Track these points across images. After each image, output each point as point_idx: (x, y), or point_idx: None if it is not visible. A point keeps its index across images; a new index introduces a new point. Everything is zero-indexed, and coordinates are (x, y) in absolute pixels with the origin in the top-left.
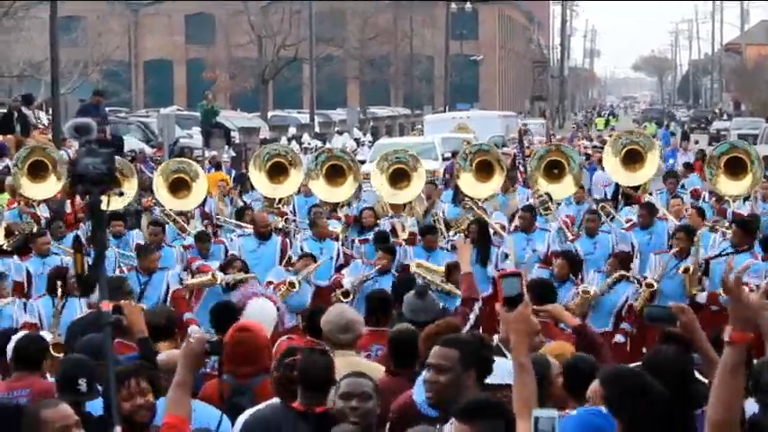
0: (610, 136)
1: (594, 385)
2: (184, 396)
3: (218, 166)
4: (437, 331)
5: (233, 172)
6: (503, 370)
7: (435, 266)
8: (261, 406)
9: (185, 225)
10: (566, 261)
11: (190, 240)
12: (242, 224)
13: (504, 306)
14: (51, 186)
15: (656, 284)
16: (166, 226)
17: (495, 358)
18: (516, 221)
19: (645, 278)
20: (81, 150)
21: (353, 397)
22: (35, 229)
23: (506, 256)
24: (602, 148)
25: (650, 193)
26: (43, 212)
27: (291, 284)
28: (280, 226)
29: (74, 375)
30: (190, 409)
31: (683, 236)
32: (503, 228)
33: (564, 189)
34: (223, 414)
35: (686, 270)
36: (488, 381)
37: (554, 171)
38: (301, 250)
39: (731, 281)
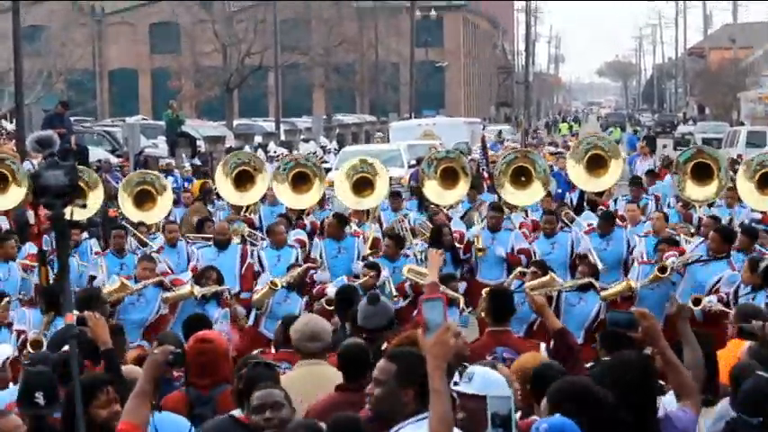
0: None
1: (544, 402)
2: (142, 404)
3: (203, 175)
4: (400, 344)
5: (179, 178)
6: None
7: (425, 269)
8: (214, 419)
9: (144, 238)
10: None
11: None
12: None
13: (425, 331)
14: (13, 197)
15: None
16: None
17: (478, 368)
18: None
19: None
20: (43, 163)
21: (266, 408)
22: None
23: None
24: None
25: (614, 200)
26: (2, 223)
27: (273, 284)
28: (245, 234)
29: (32, 388)
30: (146, 417)
31: (666, 248)
32: (461, 237)
33: (531, 195)
34: (192, 426)
35: (662, 269)
36: (463, 389)
37: (521, 178)
38: (259, 259)
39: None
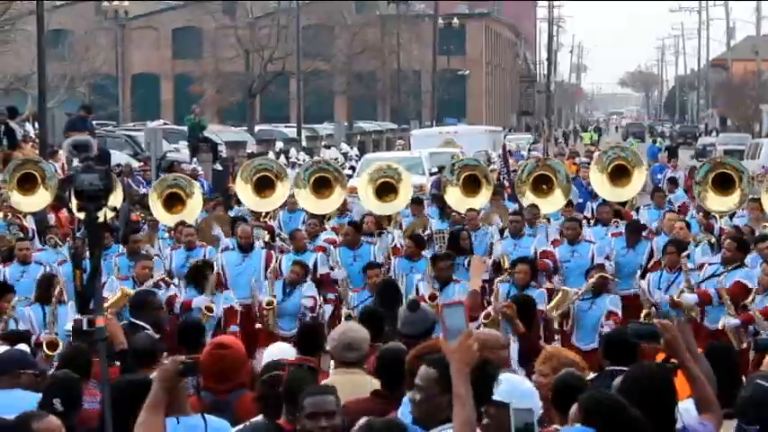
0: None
1: (574, 409)
2: (156, 416)
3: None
4: (423, 351)
5: (204, 183)
6: (511, 389)
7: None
8: (245, 424)
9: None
10: (527, 266)
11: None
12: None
13: (447, 337)
14: (40, 199)
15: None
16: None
17: (505, 376)
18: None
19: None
20: (79, 167)
21: (320, 416)
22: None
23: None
24: (589, 163)
25: (636, 210)
26: (30, 224)
27: (269, 304)
28: (266, 239)
29: (50, 395)
30: (160, 427)
31: (674, 249)
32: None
33: (553, 203)
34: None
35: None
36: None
37: (543, 186)
38: (279, 265)
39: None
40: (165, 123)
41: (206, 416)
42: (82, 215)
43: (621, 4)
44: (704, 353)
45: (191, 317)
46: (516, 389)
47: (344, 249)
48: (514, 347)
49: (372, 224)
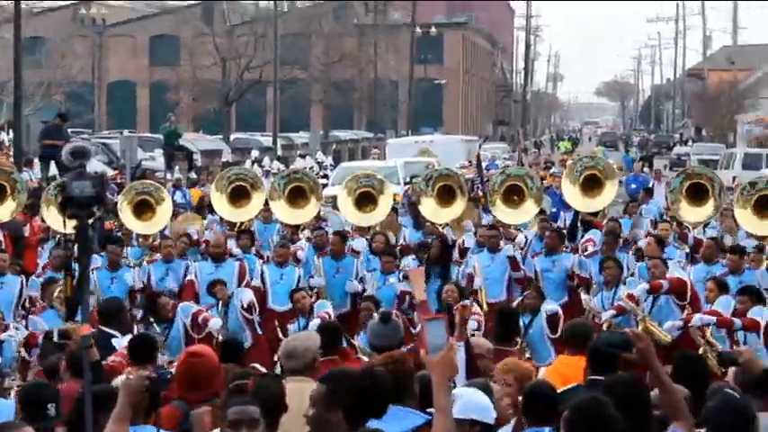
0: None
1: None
2: (121, 427)
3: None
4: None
5: (187, 193)
6: (470, 404)
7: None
8: None
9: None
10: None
11: None
12: None
13: (429, 350)
14: (6, 210)
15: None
16: (129, 248)
17: (460, 391)
18: (481, 240)
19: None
20: (71, 174)
21: (242, 424)
22: None
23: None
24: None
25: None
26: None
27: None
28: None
29: (40, 400)
30: None
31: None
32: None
33: (524, 213)
34: None
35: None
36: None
37: (513, 197)
38: (262, 275)
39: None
40: (130, 131)
41: (160, 429)
42: (73, 222)
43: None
44: (674, 361)
45: (230, 334)
46: (475, 403)
47: (328, 260)
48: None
49: (381, 243)
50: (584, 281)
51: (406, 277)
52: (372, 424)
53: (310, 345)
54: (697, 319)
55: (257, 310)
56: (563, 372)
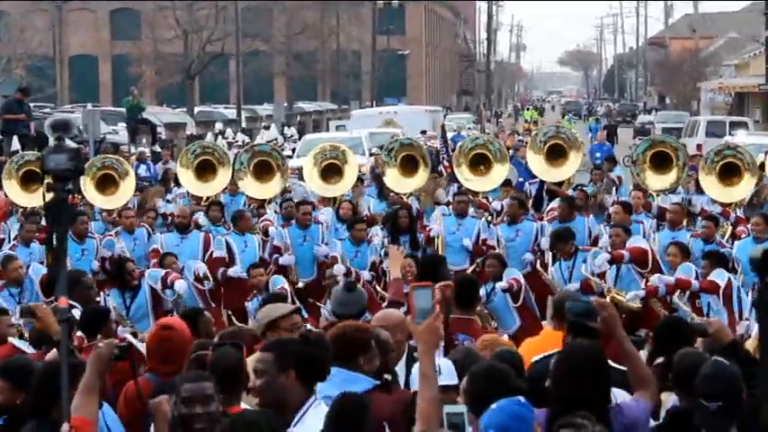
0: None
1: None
2: (90, 398)
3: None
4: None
5: (151, 167)
6: (454, 371)
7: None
8: None
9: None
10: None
11: None
12: None
13: (415, 317)
14: None
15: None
16: (92, 222)
17: (444, 361)
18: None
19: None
20: (50, 147)
21: (196, 402)
22: None
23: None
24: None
25: (573, 188)
26: None
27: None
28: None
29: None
30: (95, 411)
31: (620, 233)
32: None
33: (492, 180)
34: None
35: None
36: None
37: (480, 167)
38: (228, 245)
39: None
40: (94, 105)
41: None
42: (49, 195)
43: None
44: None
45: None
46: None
47: (294, 229)
48: None
49: (349, 210)
50: (489, 247)
51: (386, 254)
52: (319, 387)
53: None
54: (656, 279)
55: (210, 280)
56: (545, 346)
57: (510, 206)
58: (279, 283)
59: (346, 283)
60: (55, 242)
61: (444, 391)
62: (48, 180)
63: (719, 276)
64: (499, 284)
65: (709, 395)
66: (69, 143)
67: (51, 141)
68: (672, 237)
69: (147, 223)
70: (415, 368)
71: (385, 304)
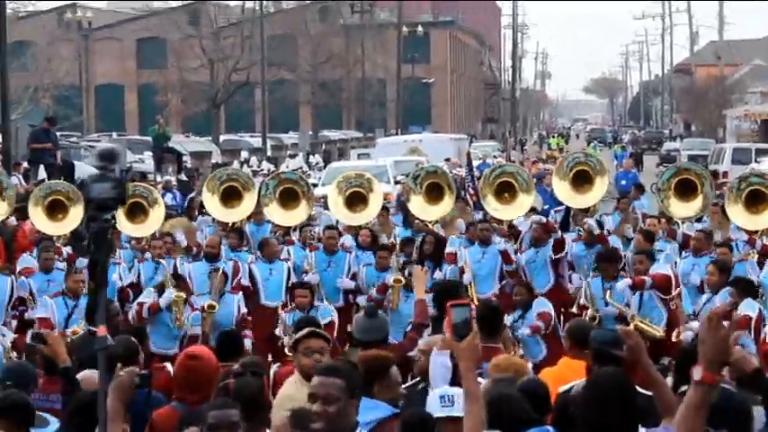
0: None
1: None
2: (117, 427)
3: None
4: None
5: (177, 195)
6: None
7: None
8: None
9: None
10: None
11: None
12: None
13: (454, 335)
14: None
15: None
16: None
17: (453, 389)
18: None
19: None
20: (94, 176)
21: (221, 429)
22: None
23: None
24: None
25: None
26: None
27: (211, 306)
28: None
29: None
30: None
31: (644, 259)
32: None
33: (518, 209)
34: None
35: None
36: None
37: (505, 195)
38: (251, 273)
39: (714, 320)
40: (119, 134)
41: None
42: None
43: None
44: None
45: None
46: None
47: (320, 254)
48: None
49: (367, 237)
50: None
51: (410, 274)
52: None
53: None
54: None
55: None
56: (565, 375)
57: (535, 230)
58: (328, 315)
59: (367, 310)
60: (96, 271)
61: (452, 421)
62: (89, 209)
63: (750, 308)
64: (525, 331)
65: (716, 424)
66: (113, 173)
67: (82, 169)
68: (693, 263)
69: (167, 248)
70: (432, 394)
71: (409, 328)
